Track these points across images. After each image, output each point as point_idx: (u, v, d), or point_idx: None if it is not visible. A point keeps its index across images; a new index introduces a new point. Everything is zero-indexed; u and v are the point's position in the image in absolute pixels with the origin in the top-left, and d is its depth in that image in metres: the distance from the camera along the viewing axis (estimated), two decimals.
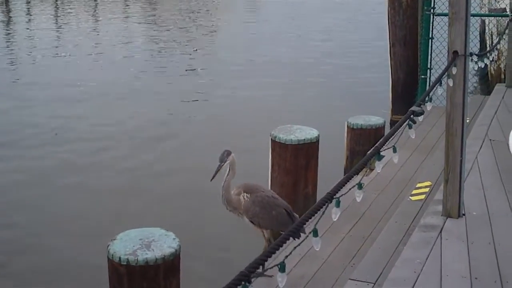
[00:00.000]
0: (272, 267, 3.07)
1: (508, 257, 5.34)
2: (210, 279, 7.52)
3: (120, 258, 5.53)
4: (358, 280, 5.65)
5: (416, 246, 5.60)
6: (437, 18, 13.43)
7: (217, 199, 6.16)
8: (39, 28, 32.28)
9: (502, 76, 15.22)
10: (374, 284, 5.55)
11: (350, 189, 3.79)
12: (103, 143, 13.65)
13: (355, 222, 7.45)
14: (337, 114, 14.03)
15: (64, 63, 22.99)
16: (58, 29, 32.53)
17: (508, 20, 12.65)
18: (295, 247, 3.34)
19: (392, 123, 12.84)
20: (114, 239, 5.83)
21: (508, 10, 15.61)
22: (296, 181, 8.55)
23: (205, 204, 9.65)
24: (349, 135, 10.20)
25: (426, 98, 5.33)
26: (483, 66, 8.79)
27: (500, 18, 16.71)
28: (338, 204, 3.59)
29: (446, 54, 6.12)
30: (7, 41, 27.99)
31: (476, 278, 4.99)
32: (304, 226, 3.33)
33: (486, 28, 19.89)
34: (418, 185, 7.95)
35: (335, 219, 3.66)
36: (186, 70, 21.84)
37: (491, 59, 10.35)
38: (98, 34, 30.62)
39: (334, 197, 3.54)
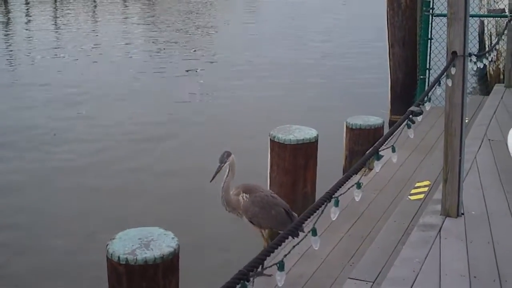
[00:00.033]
0: (271, 266, 3.07)
1: (507, 256, 5.35)
2: (209, 278, 7.52)
3: (119, 257, 5.54)
4: (357, 279, 5.65)
5: (415, 245, 5.61)
6: (436, 19, 13.44)
7: (216, 199, 6.17)
8: (38, 29, 32.28)
9: (501, 77, 15.23)
10: (373, 283, 5.55)
11: (349, 188, 3.80)
12: (102, 144, 13.65)
13: (354, 222, 7.46)
14: (336, 114, 14.02)
15: (63, 64, 22.97)
16: (57, 30, 32.53)
17: (507, 20, 12.66)
18: (294, 246, 3.34)
19: (391, 123, 12.84)
20: (113, 239, 5.84)
21: (507, 10, 15.60)
22: (295, 181, 8.56)
23: (205, 204, 9.66)
24: (348, 135, 10.20)
25: (425, 98, 5.34)
26: (482, 66, 8.78)
27: (499, 18, 16.71)
28: (337, 204, 3.59)
29: (445, 54, 6.12)
30: (6, 42, 27.99)
31: (475, 277, 5.00)
32: (303, 225, 3.34)
33: (485, 28, 19.88)
34: (417, 184, 7.96)
35: (334, 219, 3.66)
36: (185, 71, 21.85)
37: (490, 60, 10.32)
38: (97, 35, 30.62)
39: (333, 196, 3.54)
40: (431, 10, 13.34)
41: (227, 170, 6.00)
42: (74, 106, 16.84)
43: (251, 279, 2.78)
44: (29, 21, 36.38)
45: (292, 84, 20.00)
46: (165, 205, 10.39)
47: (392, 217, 7.10)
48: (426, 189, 7.75)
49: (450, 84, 5.84)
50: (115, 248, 5.65)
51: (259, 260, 2.96)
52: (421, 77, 13.54)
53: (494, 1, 19.25)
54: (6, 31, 32.11)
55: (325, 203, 3.46)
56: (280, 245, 3.10)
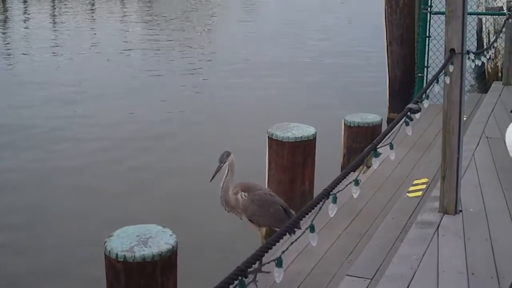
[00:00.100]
0: (269, 262, 3.07)
1: (505, 253, 5.36)
2: (208, 275, 7.50)
3: (117, 254, 5.53)
4: (355, 276, 5.66)
5: (413, 242, 5.62)
6: (434, 17, 13.46)
7: (215, 198, 6.17)
8: (36, 27, 32.26)
9: (499, 74, 15.25)
10: (371, 280, 5.56)
11: (347, 185, 3.80)
12: (101, 143, 13.62)
13: (352, 219, 7.47)
14: (335, 112, 14.04)
15: (61, 63, 22.97)
16: (55, 28, 32.49)
17: (505, 18, 12.66)
18: (291, 243, 3.34)
19: (389, 121, 12.85)
20: (111, 236, 5.84)
21: (505, 8, 15.61)
22: (293, 179, 8.56)
23: (204, 202, 9.62)
24: (346, 133, 10.21)
25: (423, 96, 5.34)
26: (480, 64, 8.79)
27: (497, 16, 16.72)
28: (335, 200, 3.59)
29: (443, 52, 6.12)
30: (3, 40, 27.97)
31: (472, 274, 5.00)
32: (301, 222, 3.34)
33: (483, 26, 19.90)
34: (415, 182, 7.97)
35: (332, 215, 3.65)
36: (184, 70, 21.82)
37: (488, 57, 10.35)
38: (95, 34, 30.61)
39: (331, 193, 3.54)
40: (429, 8, 13.36)
41: (227, 170, 6.00)
42: (73, 105, 16.82)
43: (249, 275, 2.79)
44: (27, 19, 36.33)
45: (291, 82, 20.00)
46: (165, 204, 10.38)
47: (390, 214, 7.11)
48: (424, 186, 7.76)
49: (448, 81, 5.85)
50: (113, 245, 5.65)
51: (257, 257, 2.96)
52: (419, 75, 13.56)
53: None
54: (3, 29, 32.08)
55: (323, 200, 3.46)
56: (278, 242, 3.09)
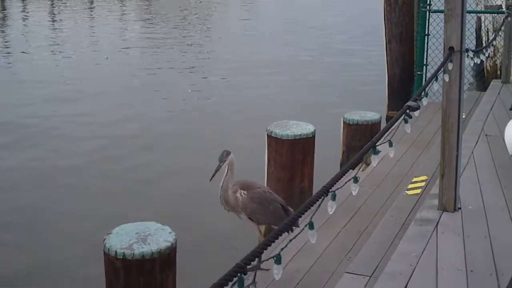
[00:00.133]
0: (268, 259, 3.07)
1: (503, 251, 5.37)
2: (207, 273, 7.51)
3: (116, 252, 5.54)
4: (354, 274, 5.66)
5: (412, 239, 5.62)
6: (433, 15, 13.48)
7: (214, 196, 6.16)
8: (34, 25, 32.22)
9: (498, 72, 15.26)
10: (370, 277, 5.56)
11: (346, 182, 3.80)
12: (100, 142, 13.58)
13: (351, 217, 7.48)
14: (334, 110, 14.04)
15: (60, 61, 22.96)
16: (54, 27, 32.49)
17: (504, 16, 12.67)
18: (290, 240, 3.34)
19: (388, 119, 12.86)
20: (110, 233, 5.84)
21: (504, 7, 15.61)
22: (292, 176, 8.56)
23: (203, 200, 9.61)
24: (345, 130, 10.21)
25: (422, 93, 5.34)
26: (479, 62, 8.80)
27: (496, 14, 16.71)
28: (334, 198, 3.59)
29: (442, 50, 6.13)
30: (2, 39, 27.94)
31: (471, 271, 5.01)
32: (300, 219, 3.34)
33: (482, 24, 19.91)
34: (414, 179, 7.98)
35: (331, 213, 3.66)
36: (183, 68, 21.82)
37: (487, 56, 10.37)
38: (94, 32, 30.61)
39: (330, 190, 3.54)
40: (428, 6, 13.37)
41: (226, 169, 5.99)
42: (72, 103, 16.80)
43: (248, 272, 2.79)
44: (25, 17, 36.32)
45: (291, 81, 19.99)
46: (164, 203, 10.36)
47: (389, 212, 7.11)
48: (423, 184, 7.77)
49: (447, 79, 5.85)
50: (112, 243, 5.65)
51: (256, 254, 2.97)
52: (418, 73, 13.57)
53: None
54: (2, 27, 32.06)
55: (322, 197, 3.46)
56: (277, 239, 3.10)
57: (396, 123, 4.58)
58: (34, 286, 8.15)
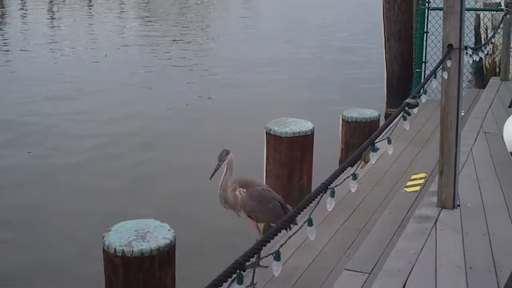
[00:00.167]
0: (267, 256, 3.07)
1: (502, 248, 5.37)
2: (206, 270, 7.52)
3: (115, 249, 5.54)
4: (353, 271, 5.67)
5: (411, 237, 5.63)
6: (432, 12, 13.49)
7: (214, 194, 6.16)
8: (33, 23, 32.19)
9: (497, 70, 15.28)
10: (369, 274, 5.57)
11: (344, 179, 3.81)
12: (99, 140, 13.55)
13: (350, 214, 7.49)
14: (333, 108, 14.03)
15: (59, 59, 22.92)
16: (52, 24, 32.47)
17: (502, 14, 12.67)
18: (289, 237, 3.35)
19: (387, 116, 12.86)
20: (109, 231, 5.85)
21: (502, 4, 15.61)
22: (291, 173, 8.57)
23: (202, 198, 9.61)
24: (344, 128, 10.22)
25: (421, 91, 5.35)
26: (477, 59, 8.80)
27: (494, 12, 16.73)
28: (332, 194, 3.60)
29: (441, 48, 6.13)
30: (1, 36, 27.91)
31: (470, 268, 5.02)
32: (299, 216, 3.34)
33: (481, 22, 19.92)
34: (413, 177, 7.98)
35: (329, 209, 3.66)
36: (183, 66, 21.79)
37: (485, 53, 10.37)
38: (93, 29, 30.56)
39: (329, 187, 3.55)
40: (427, 4, 13.37)
41: (225, 169, 6.00)
42: (71, 101, 16.77)
43: (248, 269, 2.79)
44: (24, 15, 36.28)
45: (291, 79, 19.98)
46: (164, 201, 10.33)
47: (388, 209, 7.12)
48: (422, 181, 7.77)
49: (446, 76, 5.85)
50: (111, 240, 5.66)
51: (255, 250, 2.97)
52: (417, 70, 13.57)
53: None
54: (0, 25, 32.02)
55: (321, 194, 3.47)
56: (276, 235, 3.10)
57: (395, 120, 4.58)
58: (34, 286, 8.14)
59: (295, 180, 8.57)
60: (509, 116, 5.50)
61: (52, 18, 34.99)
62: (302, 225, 3.34)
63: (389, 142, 4.40)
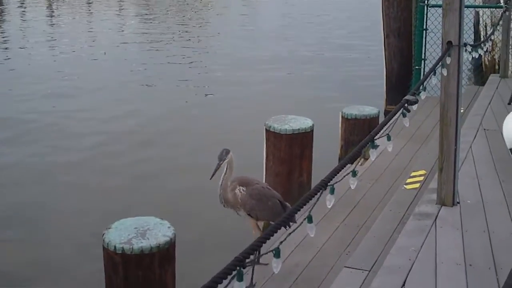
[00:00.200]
0: (267, 253, 3.07)
1: (502, 245, 5.37)
2: (206, 267, 7.51)
3: (115, 246, 5.54)
4: (353, 268, 5.67)
5: (411, 234, 5.62)
6: (431, 9, 13.49)
7: (213, 192, 6.16)
8: (32, 20, 32.15)
9: (496, 67, 15.25)
10: (369, 271, 5.57)
11: (344, 176, 3.81)
12: (99, 137, 13.53)
13: (349, 211, 7.49)
14: (333, 105, 14.03)
15: (58, 56, 22.92)
16: (52, 22, 32.43)
17: (502, 11, 12.67)
18: (289, 234, 3.34)
19: (386, 113, 12.83)
20: (109, 228, 5.85)
21: (502, 1, 15.60)
22: (291, 170, 8.57)
23: (202, 195, 9.60)
24: (343, 125, 10.22)
25: (421, 87, 5.34)
26: (477, 56, 8.80)
27: (494, 9, 16.71)
28: (332, 191, 3.59)
29: (440, 45, 6.13)
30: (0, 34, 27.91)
31: (470, 265, 5.01)
32: (299, 212, 3.33)
33: (480, 19, 19.89)
34: (413, 174, 7.99)
35: (329, 206, 3.66)
36: (182, 63, 21.78)
37: (485, 50, 10.38)
38: (92, 27, 30.54)
39: (329, 184, 3.54)
40: (426, 1, 13.37)
41: (225, 168, 6.00)
42: (70, 99, 16.77)
43: (247, 266, 2.79)
44: (23, 12, 36.24)
45: (291, 76, 19.98)
46: (164, 198, 10.33)
47: (388, 206, 7.12)
48: (421, 178, 7.78)
49: (445, 73, 5.85)
50: (111, 238, 5.66)
51: (255, 247, 2.96)
52: (416, 67, 13.59)
53: None
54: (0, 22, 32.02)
55: (321, 190, 3.46)
56: (276, 232, 3.10)
57: (395, 117, 4.58)
58: (34, 285, 8.13)
59: (295, 177, 8.58)
60: (509, 113, 5.50)
61: (51, 16, 34.97)
62: (302, 222, 3.33)
63: (389, 139, 4.39)
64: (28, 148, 12.85)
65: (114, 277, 5.69)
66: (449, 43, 5.86)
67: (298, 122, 8.65)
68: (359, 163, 8.62)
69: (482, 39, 16.87)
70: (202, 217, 9.54)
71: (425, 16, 13.47)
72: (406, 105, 4.71)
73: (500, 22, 12.76)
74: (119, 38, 26.98)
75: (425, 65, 13.49)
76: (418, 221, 5.85)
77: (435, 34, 12.67)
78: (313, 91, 17.64)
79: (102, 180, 11.23)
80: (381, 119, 10.30)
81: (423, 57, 13.56)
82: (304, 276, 6.08)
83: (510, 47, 12.56)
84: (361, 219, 7.28)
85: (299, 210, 3.31)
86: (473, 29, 19.60)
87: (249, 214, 6.11)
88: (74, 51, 23.80)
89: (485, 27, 18.80)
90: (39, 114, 15.28)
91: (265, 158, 8.76)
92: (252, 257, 2.99)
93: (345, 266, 5.76)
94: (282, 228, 3.28)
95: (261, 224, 6.33)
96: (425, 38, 13.55)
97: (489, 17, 18.06)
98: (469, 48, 8.00)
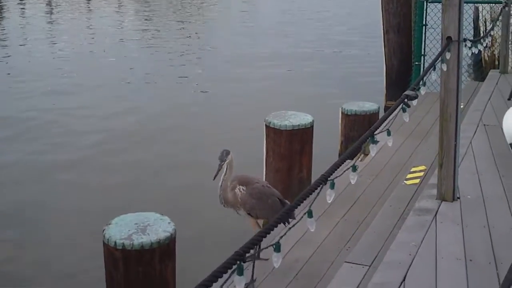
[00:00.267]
0: (267, 247, 3.07)
1: (502, 240, 5.37)
2: (206, 263, 7.52)
3: (115, 242, 5.54)
4: (353, 263, 5.67)
5: (411, 229, 5.62)
6: (431, 5, 13.48)
7: (214, 189, 6.16)
8: (32, 18, 32.14)
9: (496, 63, 15.26)
10: (370, 266, 5.57)
11: (344, 171, 3.81)
12: (99, 135, 13.52)
13: (350, 207, 7.49)
14: (333, 101, 14.03)
15: (58, 54, 22.90)
16: (51, 19, 32.40)
17: (501, 6, 12.66)
18: (289, 228, 3.34)
19: (386, 109, 12.85)
20: (109, 224, 5.85)
21: None
22: (291, 166, 8.57)
23: (203, 192, 9.62)
24: (343, 121, 10.22)
25: (420, 83, 5.34)
26: (476, 52, 8.81)
27: (493, 4, 16.71)
28: (332, 186, 3.59)
29: (440, 41, 6.12)
30: None
31: (470, 260, 5.01)
32: (299, 207, 3.33)
33: (480, 14, 19.89)
34: (413, 169, 7.99)
35: (329, 201, 3.66)
36: (182, 61, 21.76)
37: (484, 46, 10.38)
38: (91, 24, 30.52)
39: (329, 179, 3.54)
40: None
41: (225, 169, 6.00)
42: (70, 96, 16.74)
43: (247, 261, 2.79)
44: (23, 10, 36.22)
45: (291, 73, 19.97)
46: (164, 195, 10.32)
47: (388, 202, 7.12)
48: (421, 173, 7.78)
49: (445, 69, 5.84)
50: (111, 233, 5.66)
51: (255, 241, 2.97)
52: (416, 63, 13.58)
53: None
54: None
55: (321, 185, 3.46)
56: (276, 227, 3.10)
57: (394, 112, 4.58)
58: (34, 284, 8.13)
59: (295, 173, 8.58)
60: (509, 108, 5.50)
61: (51, 13, 34.94)
62: (302, 216, 3.34)
63: (389, 134, 4.40)
64: (28, 146, 12.83)
65: (115, 273, 5.69)
66: (449, 38, 5.85)
67: (298, 118, 8.65)
68: (359, 159, 8.62)
69: (481, 35, 16.86)
70: (202, 214, 9.55)
71: (424, 11, 13.46)
72: (406, 100, 4.70)
73: (500, 18, 12.76)
74: (119, 35, 26.96)
75: (425, 60, 13.49)
76: (418, 217, 5.85)
77: (434, 30, 12.67)
78: (313, 88, 17.64)
79: (102, 178, 11.23)
80: (381, 115, 10.33)
81: (422, 52, 13.55)
82: (305, 272, 6.08)
83: (510, 42, 12.55)
84: (361, 214, 7.29)
85: (299, 205, 3.31)
86: (472, 25, 19.60)
87: (249, 213, 6.12)
88: (73, 48, 23.79)
89: (485, 22, 18.81)
90: (39, 111, 15.27)
91: (265, 154, 8.76)
92: (252, 251, 2.99)
93: (345, 262, 5.77)
94: (282, 223, 3.28)
95: (260, 222, 6.33)
96: (425, 33, 13.55)
97: (489, 12, 18.08)
98: (468, 44, 8.02)
